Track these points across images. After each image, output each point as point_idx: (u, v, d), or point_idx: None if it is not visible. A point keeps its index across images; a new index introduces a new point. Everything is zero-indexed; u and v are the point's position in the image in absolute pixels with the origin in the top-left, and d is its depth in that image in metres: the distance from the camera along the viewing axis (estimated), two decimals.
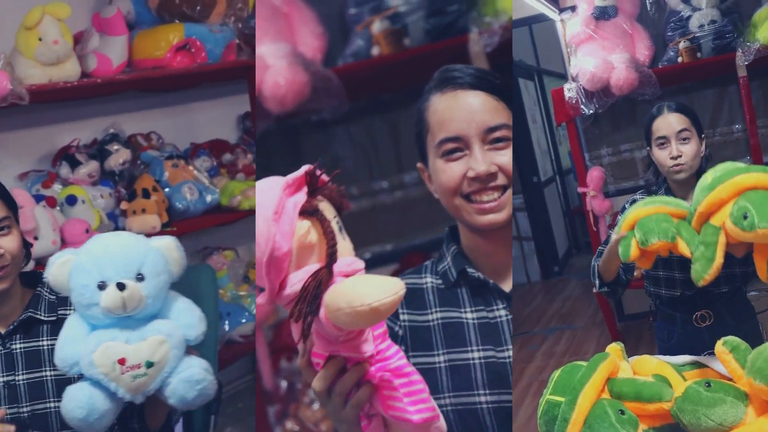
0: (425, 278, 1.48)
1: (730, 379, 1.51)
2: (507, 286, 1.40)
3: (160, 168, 3.01)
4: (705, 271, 1.66)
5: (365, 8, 2.49)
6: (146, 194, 2.89)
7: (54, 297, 1.78)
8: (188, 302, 1.64)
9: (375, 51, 2.46)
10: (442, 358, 1.36)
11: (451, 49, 2.46)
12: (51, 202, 2.58)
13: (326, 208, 1.18)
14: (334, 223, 1.17)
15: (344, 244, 1.18)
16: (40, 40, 2.42)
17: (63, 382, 1.66)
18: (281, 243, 1.12)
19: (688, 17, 3.74)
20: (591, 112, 3.76)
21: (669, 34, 3.81)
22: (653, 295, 2.25)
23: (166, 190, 2.98)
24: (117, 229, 2.88)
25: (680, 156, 2.14)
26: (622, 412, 1.45)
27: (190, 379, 1.55)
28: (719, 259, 1.65)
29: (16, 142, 2.73)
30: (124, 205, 2.89)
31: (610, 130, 4.14)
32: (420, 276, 1.50)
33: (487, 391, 1.33)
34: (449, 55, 2.44)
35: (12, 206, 1.74)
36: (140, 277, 1.53)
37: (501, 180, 1.33)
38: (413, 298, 1.43)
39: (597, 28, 3.81)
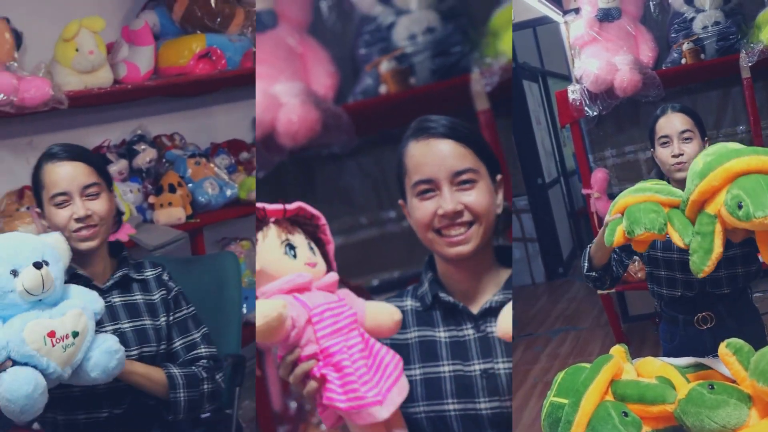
0: (406, 301, 1.65)
1: (734, 382, 1.51)
2: (475, 309, 1.54)
3: (183, 165, 3.21)
4: (704, 263, 1.58)
5: (374, 49, 2.65)
6: (172, 189, 3.10)
7: (134, 261, 2.04)
8: (79, 287, 1.76)
9: (383, 89, 2.61)
10: (417, 372, 1.52)
11: (454, 88, 2.58)
12: None
13: (270, 236, 1.43)
14: (279, 248, 1.42)
15: (290, 264, 1.41)
16: (77, 50, 2.65)
17: (160, 330, 1.96)
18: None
19: (692, 19, 3.74)
20: (595, 113, 3.76)
21: (672, 35, 3.81)
22: (656, 295, 2.25)
23: (190, 185, 3.18)
24: (146, 221, 3.09)
25: (682, 154, 2.16)
26: (626, 414, 1.46)
27: (110, 349, 1.69)
28: (718, 248, 1.58)
29: (54, 143, 2.91)
30: (152, 199, 3.10)
31: (614, 131, 4.14)
32: (402, 300, 1.66)
33: (455, 400, 1.49)
34: (452, 93, 2.60)
35: (105, 177, 1.96)
36: (45, 263, 1.64)
37: (467, 217, 1.49)
38: None
39: (601, 30, 3.81)
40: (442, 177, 1.49)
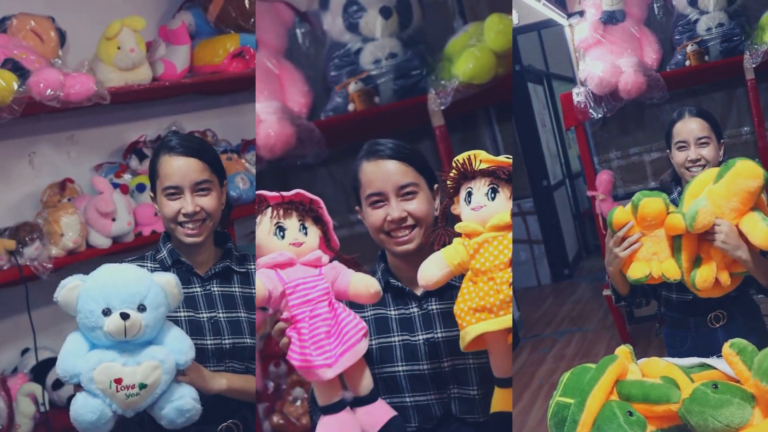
0: None
1: (738, 381, 1.53)
2: (419, 291, 1.86)
3: None
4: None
5: (343, 71, 3.00)
6: None
7: (239, 253, 2.11)
8: (180, 331, 1.82)
9: (351, 107, 2.93)
10: (373, 342, 1.84)
11: (414, 107, 2.95)
12: (124, 189, 2.89)
13: (265, 219, 1.71)
14: (270, 229, 1.69)
15: (277, 243, 1.69)
16: (118, 48, 2.77)
17: (254, 323, 2.04)
18: None
19: (696, 20, 3.75)
20: (600, 116, 3.77)
21: (677, 37, 3.82)
22: (663, 299, 2.26)
23: None
24: None
25: (699, 159, 2.20)
26: (631, 414, 1.47)
27: (182, 408, 1.77)
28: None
29: (93, 138, 3.09)
30: None
31: (618, 133, 4.16)
32: None
33: (403, 363, 1.82)
34: (412, 111, 2.97)
35: (219, 173, 2.04)
36: (142, 308, 1.70)
37: (410, 221, 1.81)
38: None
39: (605, 32, 3.82)
40: (390, 190, 1.80)
